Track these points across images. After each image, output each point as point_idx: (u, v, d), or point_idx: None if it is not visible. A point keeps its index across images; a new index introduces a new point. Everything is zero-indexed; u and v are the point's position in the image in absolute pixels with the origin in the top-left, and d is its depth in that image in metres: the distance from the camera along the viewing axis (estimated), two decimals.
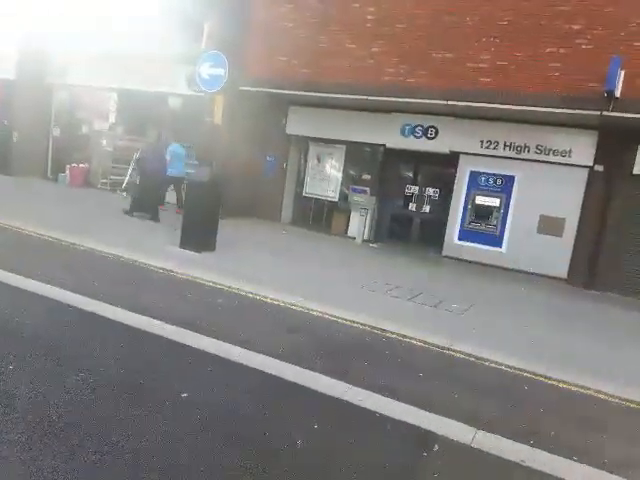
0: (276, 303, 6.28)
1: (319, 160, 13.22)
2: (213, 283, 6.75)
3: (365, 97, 10.48)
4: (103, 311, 5.16)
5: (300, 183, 13.56)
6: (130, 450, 2.90)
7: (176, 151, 12.25)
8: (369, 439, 3.43)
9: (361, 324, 5.85)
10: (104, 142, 15.18)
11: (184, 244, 8.32)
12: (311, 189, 13.37)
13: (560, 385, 4.87)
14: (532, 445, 3.60)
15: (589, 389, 4.81)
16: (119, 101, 15.06)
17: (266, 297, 6.40)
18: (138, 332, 4.77)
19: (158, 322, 5.02)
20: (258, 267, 8.01)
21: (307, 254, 10.01)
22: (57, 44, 13.98)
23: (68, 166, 15.31)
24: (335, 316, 6.01)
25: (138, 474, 2.71)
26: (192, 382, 3.90)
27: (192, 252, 8.14)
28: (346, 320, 5.93)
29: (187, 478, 2.74)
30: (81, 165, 15.28)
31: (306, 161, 13.45)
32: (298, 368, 4.38)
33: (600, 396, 4.72)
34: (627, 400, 4.67)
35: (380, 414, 3.77)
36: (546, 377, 4.97)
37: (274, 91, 11.29)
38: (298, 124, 12.87)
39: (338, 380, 4.24)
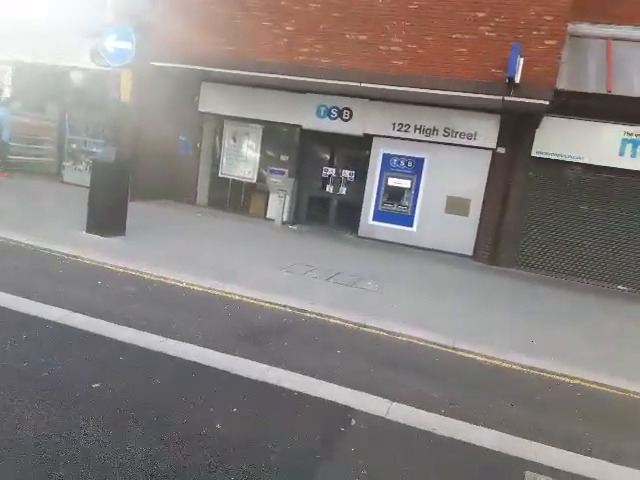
0: (192, 288, 6.13)
1: (235, 140, 12.94)
2: (124, 269, 6.44)
3: (277, 76, 10.34)
4: (4, 302, 4.77)
5: (216, 164, 13.20)
6: (38, 444, 2.73)
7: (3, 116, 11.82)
8: (288, 418, 3.48)
9: (280, 305, 5.87)
10: None
11: (91, 228, 7.84)
12: (227, 170, 13.08)
13: (466, 355, 5.21)
14: (443, 414, 3.84)
15: (494, 358, 5.19)
16: (15, 75, 13.73)
17: (181, 282, 6.23)
18: (46, 323, 4.47)
19: (67, 312, 4.73)
20: (171, 251, 7.75)
21: (224, 236, 9.83)
22: None
23: None
24: (253, 298, 5.98)
25: (47, 471, 2.56)
26: (105, 372, 3.72)
27: (100, 237, 7.70)
28: (265, 302, 5.92)
29: (102, 472, 2.63)
30: None
31: (221, 141, 13.11)
32: (216, 352, 4.33)
33: (504, 365, 5.11)
34: (532, 368, 5.09)
35: (299, 393, 3.83)
36: (454, 349, 5.30)
37: (186, 67, 10.82)
38: (212, 102, 12.48)
39: (257, 362, 4.25)
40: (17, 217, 8.37)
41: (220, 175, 13.14)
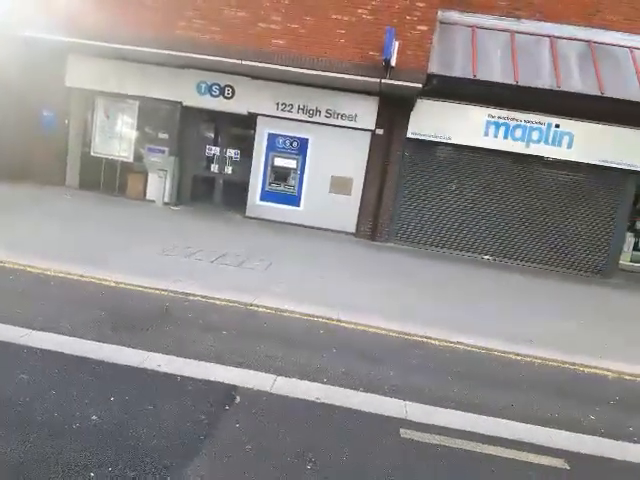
0: (60, 276, 5.67)
1: (108, 116, 12.06)
2: None
3: (147, 49, 9.78)
4: None
5: (87, 142, 12.21)
6: None
7: None
8: (170, 403, 3.39)
9: (160, 290, 5.65)
10: None
11: None
12: (100, 148, 12.16)
13: (349, 326, 5.44)
14: (325, 383, 3.99)
15: (361, 324, 5.48)
16: None
17: (47, 269, 5.73)
18: None
19: None
20: (37, 236, 7.08)
21: (98, 220, 9.17)
22: None
23: None
24: (131, 284, 5.68)
25: None
26: None
27: None
28: (144, 287, 5.66)
29: None
30: None
31: (93, 117, 12.14)
32: (90, 342, 4.08)
33: (371, 330, 5.42)
34: (406, 333, 5.44)
35: (181, 376, 3.75)
36: (338, 320, 5.50)
37: (49, 37, 9.80)
38: (81, 76, 11.47)
39: (136, 349, 4.07)
40: None
41: (92, 154, 12.18)
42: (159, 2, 9.83)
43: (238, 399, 3.55)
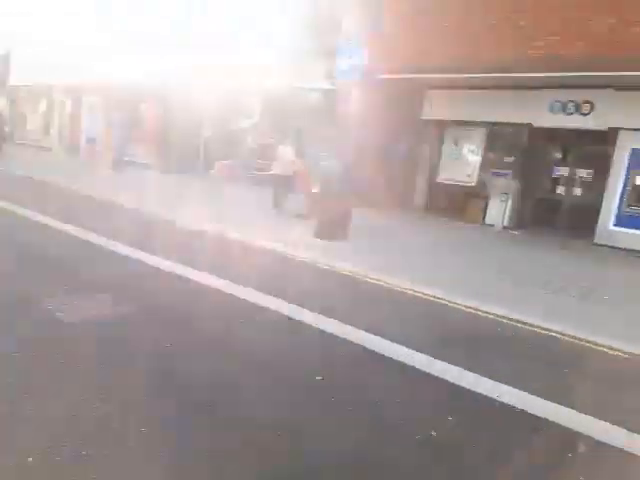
0: (417, 295, 6.18)
1: (456, 144, 12.74)
2: (349, 272, 6.90)
3: (511, 75, 9.81)
4: (261, 301, 5.56)
5: (434, 169, 13.21)
6: (275, 425, 3.15)
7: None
8: (509, 436, 3.28)
9: (498, 316, 5.57)
10: (249, 139, 16.27)
11: (319, 234, 8.63)
12: (445, 174, 12.96)
13: None
14: None
15: None
16: (262, 98, 15.76)
17: (405, 288, 6.35)
18: (285, 318, 5.00)
19: (292, 306, 5.25)
20: (390, 256, 8.01)
21: (442, 243, 9.75)
22: None
23: (217, 162, 16.63)
24: (469, 307, 5.80)
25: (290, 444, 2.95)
26: (328, 367, 4.03)
27: (327, 242, 8.40)
28: (481, 311, 5.69)
29: (317, 455, 2.90)
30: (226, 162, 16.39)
31: (440, 146, 13.05)
32: (430, 358, 4.28)
33: None
34: None
35: (520, 410, 3.59)
36: None
37: (412, 76, 11.05)
38: (435, 108, 12.52)
39: (469, 371, 4.08)
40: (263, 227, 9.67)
41: (438, 180, 13.09)
42: (515, 27, 9.80)
43: (582, 448, 3.17)
